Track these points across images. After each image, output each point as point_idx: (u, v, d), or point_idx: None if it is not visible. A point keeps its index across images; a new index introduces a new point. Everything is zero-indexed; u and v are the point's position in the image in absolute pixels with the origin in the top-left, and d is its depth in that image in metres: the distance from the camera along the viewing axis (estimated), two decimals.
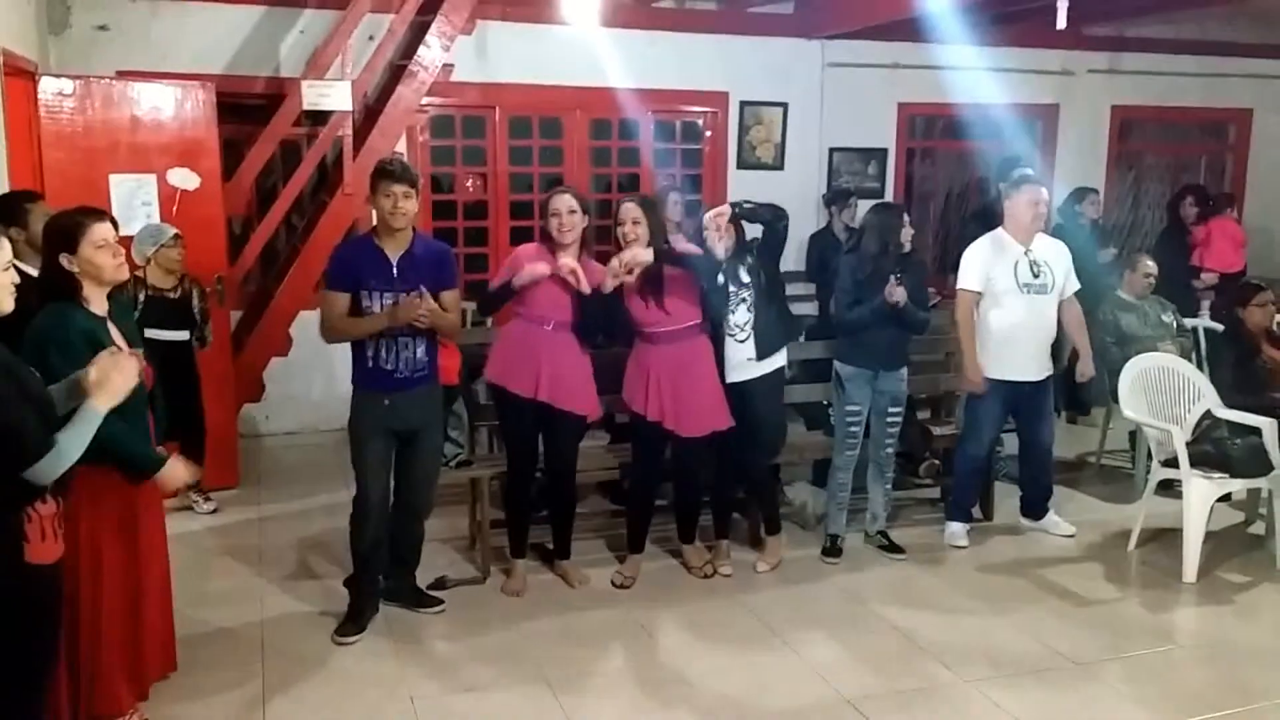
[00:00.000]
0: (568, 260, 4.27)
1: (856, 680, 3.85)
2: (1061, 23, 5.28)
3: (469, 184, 7.57)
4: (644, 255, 4.31)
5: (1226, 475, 4.80)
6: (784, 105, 7.80)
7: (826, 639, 4.19)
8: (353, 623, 4.17)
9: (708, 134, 7.84)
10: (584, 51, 6.94)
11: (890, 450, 4.97)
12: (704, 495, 4.84)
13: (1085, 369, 5.21)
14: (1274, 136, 9.06)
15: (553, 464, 4.57)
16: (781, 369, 4.76)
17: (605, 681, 3.89)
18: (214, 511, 5.52)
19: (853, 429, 4.90)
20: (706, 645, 4.14)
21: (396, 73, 6.53)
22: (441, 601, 4.42)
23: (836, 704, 3.69)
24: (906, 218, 4.80)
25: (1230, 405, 4.95)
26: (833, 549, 4.97)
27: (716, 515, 4.91)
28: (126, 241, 5.19)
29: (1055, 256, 5.00)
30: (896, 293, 4.58)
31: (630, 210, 4.41)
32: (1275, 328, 5.32)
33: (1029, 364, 5.00)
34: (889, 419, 4.91)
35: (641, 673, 3.94)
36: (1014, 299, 4.91)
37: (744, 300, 4.60)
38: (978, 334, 4.99)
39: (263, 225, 6.32)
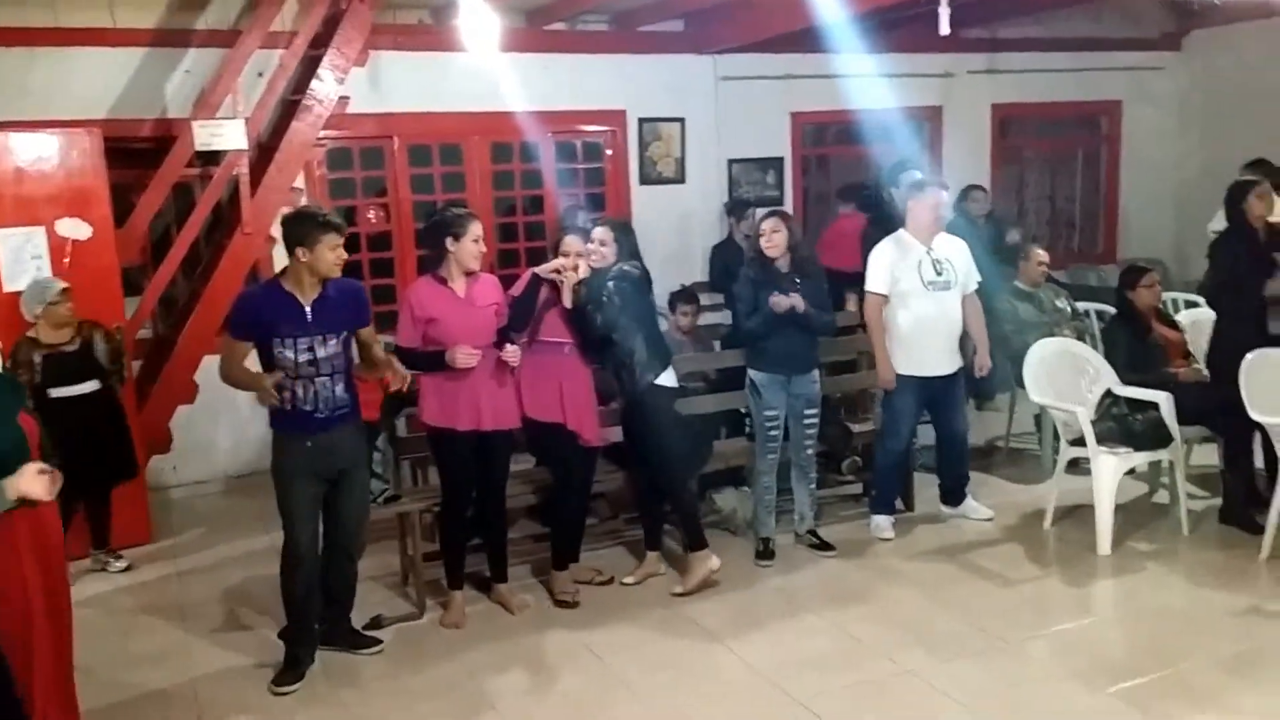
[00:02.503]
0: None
1: (805, 680, 3.91)
2: (944, 29, 5.48)
3: (371, 215, 7.47)
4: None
5: (1131, 450, 5.03)
6: (681, 120, 7.91)
7: (770, 642, 4.25)
8: (290, 671, 4.07)
9: (609, 152, 7.90)
10: (480, 77, 6.93)
11: (811, 451, 5.08)
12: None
13: (983, 362, 5.39)
14: (1143, 126, 9.54)
15: (487, 491, 4.54)
16: (672, 388, 4.77)
17: (555, 707, 3.88)
18: (127, 569, 5.31)
19: (772, 433, 5.00)
20: (654, 660, 4.15)
21: (290, 108, 6.42)
22: (379, 641, 4.35)
23: (788, 706, 3.75)
24: (791, 224, 4.91)
25: (1128, 383, 5.19)
26: (765, 552, 5.04)
27: (646, 528, 4.95)
28: (16, 298, 5.04)
29: (956, 254, 5.18)
30: (781, 302, 4.71)
31: (599, 233, 4.56)
32: (1162, 307, 5.60)
33: (939, 359, 5.17)
34: (806, 421, 5.02)
35: (591, 694, 3.93)
36: (920, 298, 5.07)
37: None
38: (888, 333, 5.13)
39: (160, 271, 6.13)
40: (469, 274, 4.34)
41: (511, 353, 4.31)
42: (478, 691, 3.95)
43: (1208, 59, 9.30)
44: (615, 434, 4.92)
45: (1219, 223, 7.06)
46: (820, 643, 4.22)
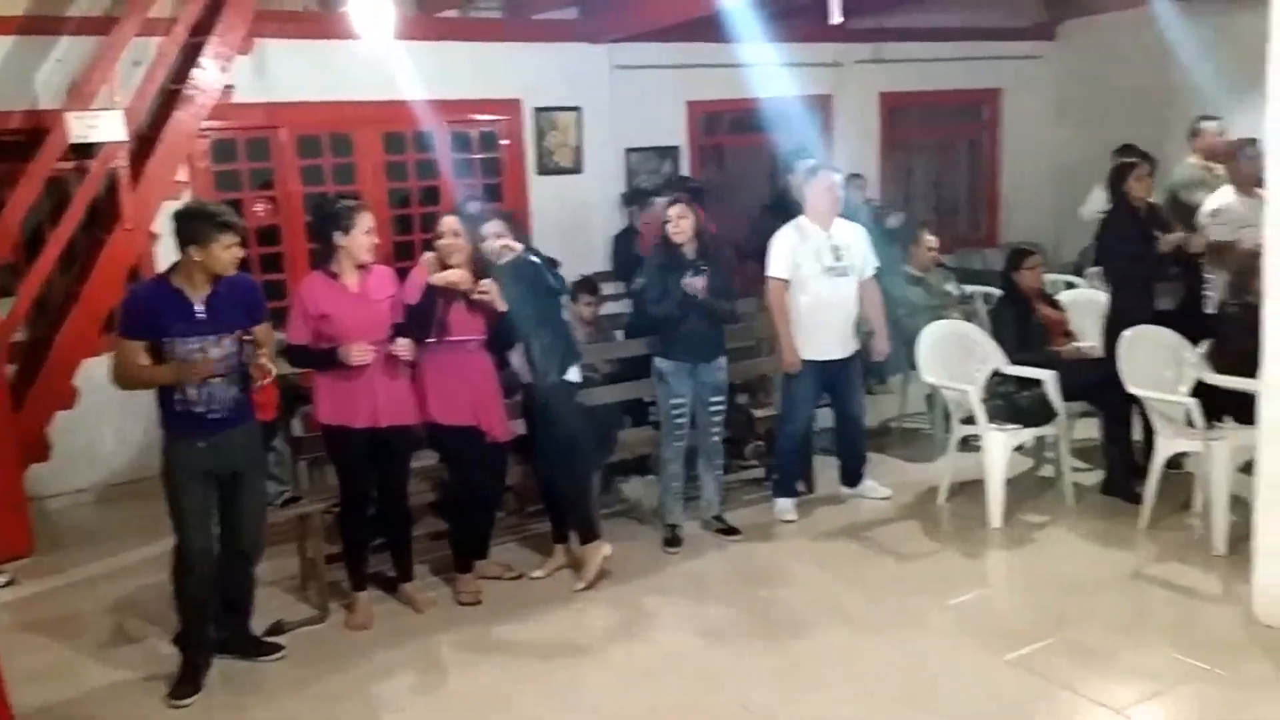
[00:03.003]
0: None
1: (717, 664, 3.96)
2: (836, 17, 5.58)
3: (258, 209, 7.23)
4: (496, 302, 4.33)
5: (1019, 426, 5.23)
6: (577, 109, 7.88)
7: (682, 627, 4.29)
8: (188, 683, 3.93)
9: (504, 142, 7.81)
10: (371, 65, 6.76)
11: (717, 439, 5.13)
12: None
13: (880, 347, 5.52)
14: (1022, 113, 9.90)
15: (387, 489, 4.45)
16: (573, 383, 4.78)
17: (466, 704, 3.84)
18: (8, 584, 5.04)
19: (679, 421, 5.03)
20: (565, 652, 4.15)
21: (171, 98, 6.16)
22: (281, 647, 4.23)
23: (704, 691, 3.79)
24: (676, 207, 4.94)
25: (1015, 362, 5.39)
26: (673, 539, 5.08)
27: (553, 521, 4.93)
28: None
29: (854, 239, 5.30)
30: (694, 283, 4.74)
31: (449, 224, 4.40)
32: (1045, 287, 5.83)
33: (836, 343, 5.28)
34: (712, 408, 5.07)
35: (503, 690, 3.90)
36: (819, 283, 5.17)
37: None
38: (790, 317, 5.22)
39: (33, 270, 5.82)
40: (361, 267, 4.24)
41: (402, 346, 4.22)
42: (387, 692, 3.89)
43: (1081, 48, 9.69)
44: (519, 427, 4.88)
45: (1091, 207, 7.42)
46: (733, 626, 4.27)
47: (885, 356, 5.58)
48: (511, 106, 7.72)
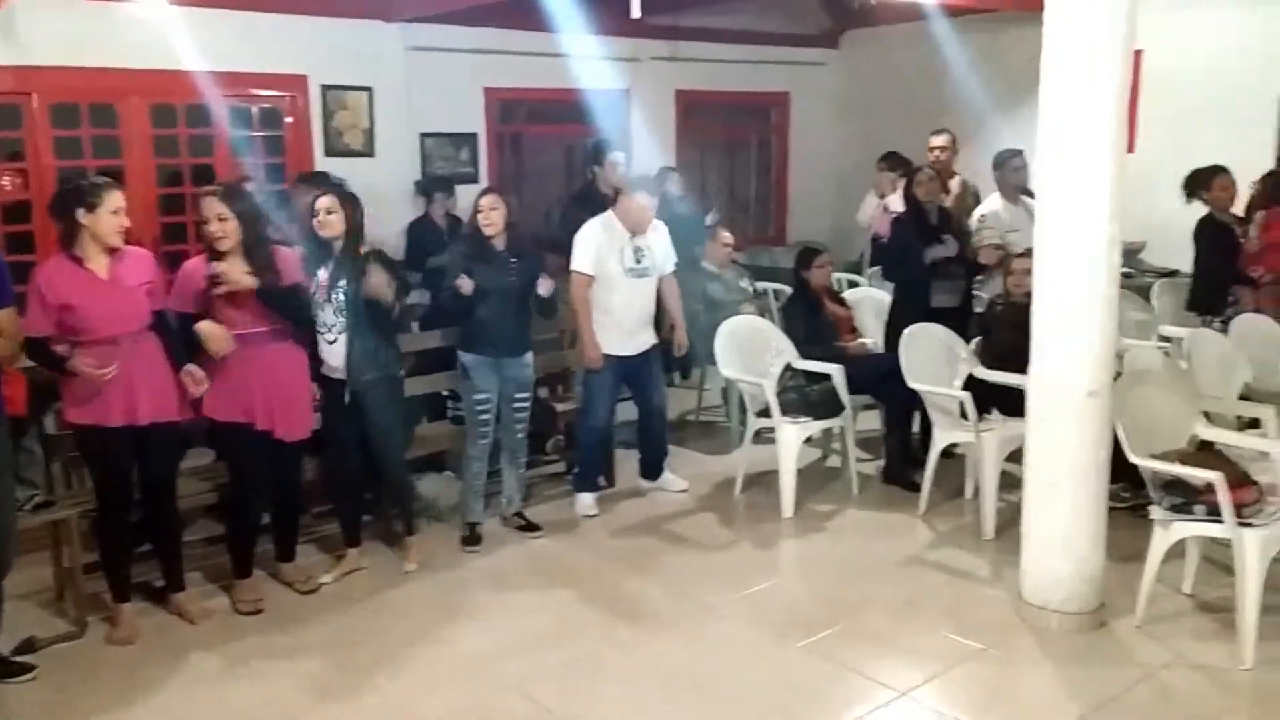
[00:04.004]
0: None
1: (518, 663, 3.87)
2: (636, 11, 5.58)
3: (4, 182, 6.51)
4: (244, 281, 3.99)
5: (810, 419, 5.41)
6: (369, 89, 7.53)
7: (482, 628, 4.17)
8: None
9: (289, 120, 7.38)
10: (138, 30, 6.22)
11: (522, 435, 5.04)
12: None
13: (680, 340, 5.58)
14: (808, 117, 10.30)
15: (153, 492, 4.09)
16: (398, 376, 4.63)
17: None
18: None
19: (484, 416, 4.90)
20: (359, 658, 3.94)
21: None
22: (32, 667, 3.82)
23: (501, 691, 3.69)
24: (510, 201, 4.84)
25: (805, 357, 5.58)
26: (472, 537, 4.94)
27: (345, 523, 4.69)
28: None
29: (657, 240, 5.32)
30: (546, 285, 4.71)
31: (213, 206, 4.04)
32: (833, 285, 6.07)
33: (634, 339, 5.30)
34: (517, 404, 4.97)
35: (290, 703, 3.65)
36: (620, 282, 5.17)
37: (335, 303, 4.40)
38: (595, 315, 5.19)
39: None
40: (112, 251, 3.86)
41: (196, 379, 3.97)
42: (150, 714, 3.56)
43: (861, 57, 10.18)
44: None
45: (865, 211, 7.81)
46: (532, 624, 4.19)
47: (685, 349, 5.64)
48: (297, 82, 7.29)
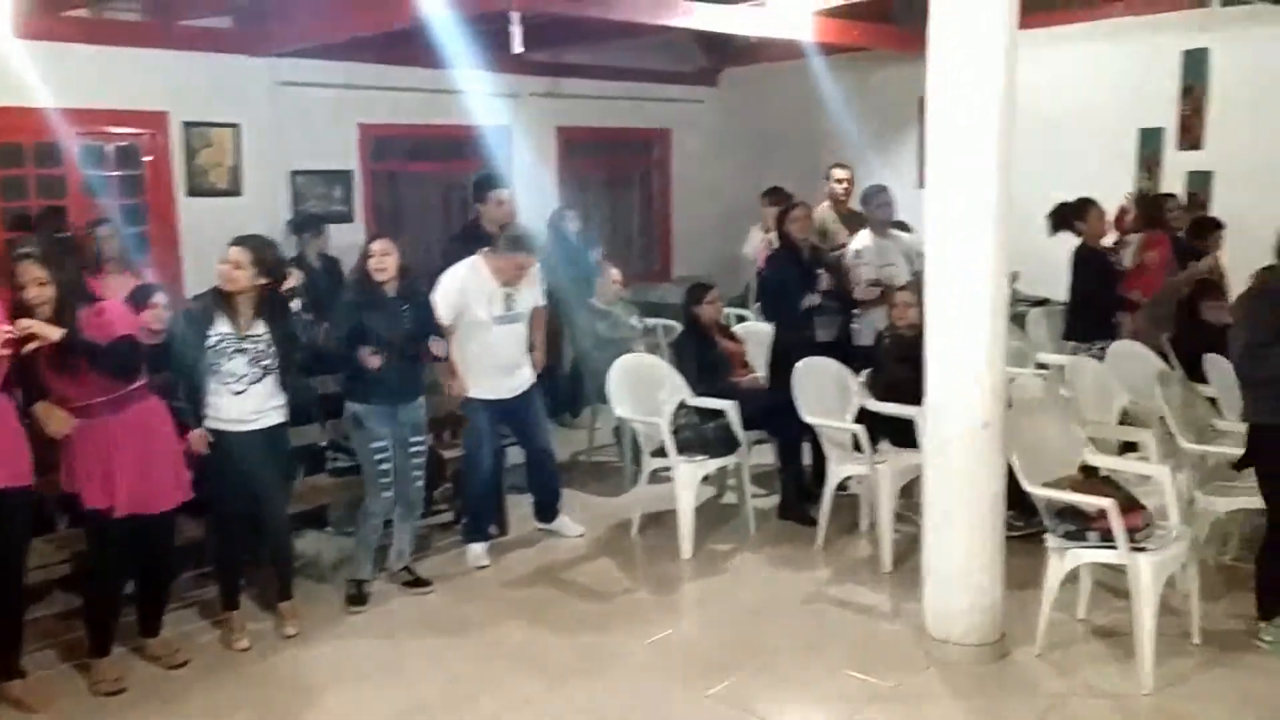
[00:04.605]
0: None
1: None
2: (517, 47, 5.48)
3: None
4: (49, 332, 3.60)
5: (706, 456, 5.33)
6: (235, 126, 7.22)
7: (371, 695, 3.91)
8: None
9: (148, 158, 6.99)
10: None
11: (420, 484, 4.81)
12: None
13: (538, 360, 5.35)
14: (689, 153, 10.36)
15: None
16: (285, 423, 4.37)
17: None
18: None
19: (384, 467, 4.66)
20: None
21: None
22: None
23: None
24: (380, 242, 4.64)
25: (699, 393, 5.51)
26: (359, 596, 4.67)
27: (229, 584, 4.38)
28: None
29: (526, 283, 5.17)
30: (371, 360, 4.44)
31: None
32: (723, 320, 6.03)
33: (511, 380, 5.15)
34: (413, 450, 4.76)
35: None
36: (489, 329, 5.02)
37: (251, 353, 4.14)
38: (461, 359, 5.01)
39: None
40: None
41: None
42: None
43: (740, 94, 10.31)
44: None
45: (750, 245, 7.86)
46: (426, 687, 3.96)
47: (541, 368, 5.46)
48: (155, 119, 6.94)
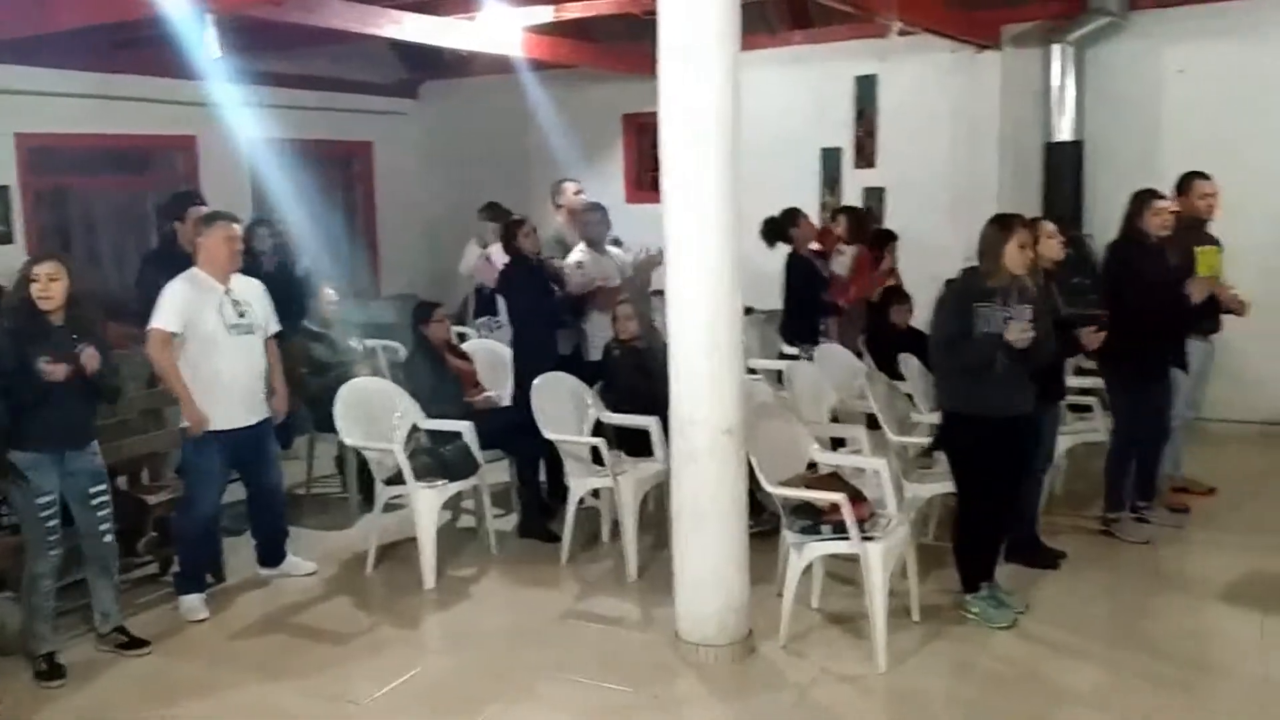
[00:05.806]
0: None
1: None
2: (214, 51, 5.04)
3: None
4: None
5: (445, 480, 5.14)
6: None
7: None
8: None
9: None
10: None
11: (110, 538, 4.27)
12: None
13: (280, 406, 5.06)
14: (392, 168, 10.05)
15: None
16: None
17: None
18: None
19: (51, 524, 4.11)
20: None
21: None
22: None
23: None
24: (47, 264, 4.11)
25: (433, 415, 5.33)
26: (52, 670, 4.09)
27: None
28: None
29: (256, 296, 4.80)
30: (56, 370, 3.93)
31: None
32: (454, 339, 5.87)
33: (246, 409, 4.73)
34: (95, 502, 4.22)
35: None
36: (223, 341, 4.60)
37: None
38: (192, 383, 4.55)
39: None
40: None
41: None
42: None
43: (443, 107, 10.15)
44: None
45: (467, 261, 7.72)
46: None
47: (285, 416, 5.11)
48: None
